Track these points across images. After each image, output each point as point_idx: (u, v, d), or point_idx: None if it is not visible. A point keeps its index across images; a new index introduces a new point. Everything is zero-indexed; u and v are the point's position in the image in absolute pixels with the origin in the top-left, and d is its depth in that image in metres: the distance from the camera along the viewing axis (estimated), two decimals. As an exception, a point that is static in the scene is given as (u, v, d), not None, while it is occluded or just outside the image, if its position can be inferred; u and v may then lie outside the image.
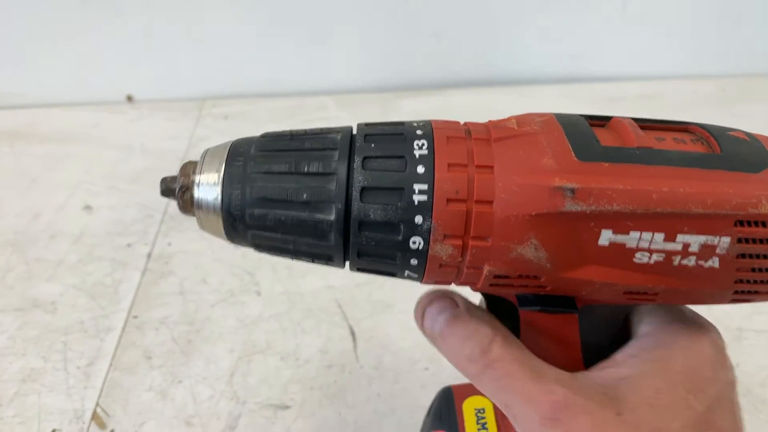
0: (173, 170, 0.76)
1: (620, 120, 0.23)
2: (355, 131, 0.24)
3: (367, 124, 0.23)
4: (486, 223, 0.21)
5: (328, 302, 0.51)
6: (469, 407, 0.35)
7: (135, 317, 0.50)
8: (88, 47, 0.79)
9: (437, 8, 0.80)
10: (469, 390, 0.36)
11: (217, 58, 0.82)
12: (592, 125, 0.23)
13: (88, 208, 0.63)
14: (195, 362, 0.46)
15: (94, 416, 0.42)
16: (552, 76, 0.86)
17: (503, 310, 0.26)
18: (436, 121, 0.23)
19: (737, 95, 0.83)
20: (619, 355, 0.25)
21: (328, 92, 0.84)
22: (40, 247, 0.57)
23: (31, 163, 0.70)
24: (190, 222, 0.66)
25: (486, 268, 0.22)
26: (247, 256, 0.55)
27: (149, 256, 0.56)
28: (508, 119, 0.23)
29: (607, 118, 0.24)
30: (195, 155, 0.71)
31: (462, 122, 0.24)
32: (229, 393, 0.43)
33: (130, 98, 0.83)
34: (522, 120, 0.23)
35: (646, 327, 0.26)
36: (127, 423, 0.42)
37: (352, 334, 0.48)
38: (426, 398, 0.41)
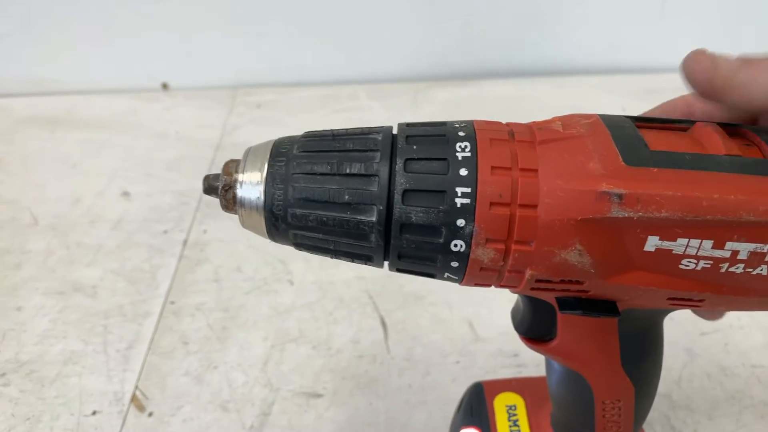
0: (207, 158, 0.78)
1: (705, 125, 0.23)
2: (395, 131, 0.24)
3: (408, 125, 0.23)
4: (529, 228, 0.21)
5: (360, 293, 0.51)
6: (500, 404, 0.35)
7: (172, 303, 0.51)
8: (124, 34, 0.81)
9: (471, -3, 0.79)
10: (500, 386, 0.36)
11: (251, 46, 0.82)
12: (639, 127, 0.23)
13: (126, 194, 0.64)
14: (230, 349, 0.47)
15: (134, 399, 0.43)
16: (589, 66, 0.84)
17: (541, 313, 0.26)
18: (479, 122, 0.23)
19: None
20: None
21: (360, 81, 0.84)
22: (80, 231, 0.59)
23: (71, 148, 0.72)
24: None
25: (528, 272, 0.22)
26: (280, 245, 0.55)
27: (185, 243, 0.57)
28: (552, 120, 0.23)
29: (679, 122, 0.23)
30: (229, 144, 0.72)
31: (504, 122, 0.24)
32: (263, 380, 0.44)
33: (165, 86, 0.84)
34: (567, 122, 0.23)
35: None
36: (165, 406, 0.43)
37: (383, 324, 0.49)
38: (457, 391, 0.41)
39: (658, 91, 0.80)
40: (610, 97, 0.79)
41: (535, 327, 0.27)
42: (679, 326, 0.45)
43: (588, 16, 0.81)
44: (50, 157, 0.70)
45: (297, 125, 0.75)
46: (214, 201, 0.64)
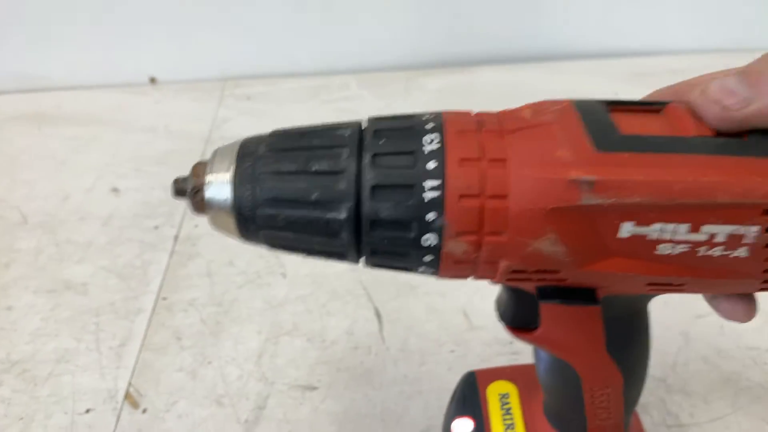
0: (197, 152, 0.77)
1: (677, 106, 0.22)
2: (365, 125, 0.23)
3: (377, 118, 0.23)
4: (500, 219, 0.21)
5: (353, 284, 0.51)
6: (493, 392, 0.35)
7: (164, 299, 0.50)
8: (111, 29, 0.80)
9: (461, -17, 0.79)
10: (493, 374, 0.36)
11: (239, 38, 0.82)
12: (613, 111, 0.22)
13: (115, 190, 0.63)
14: (224, 343, 0.47)
15: (127, 396, 0.43)
16: (580, 51, 0.84)
17: (523, 302, 0.25)
18: (448, 113, 0.23)
19: (773, 69, 0.80)
20: None
21: (351, 71, 0.83)
22: (69, 229, 0.58)
23: (59, 145, 0.71)
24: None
25: (502, 263, 0.22)
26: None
27: (176, 238, 0.57)
28: (522, 108, 0.23)
29: (655, 104, 0.23)
30: (218, 137, 0.72)
31: (474, 113, 0.23)
32: (258, 374, 0.44)
33: (153, 80, 0.83)
34: (536, 109, 0.22)
35: None
36: (159, 402, 0.42)
37: (378, 315, 0.48)
38: (452, 381, 0.41)
39: (649, 74, 0.80)
40: (601, 80, 0.79)
41: (518, 316, 0.26)
42: (674, 310, 0.45)
43: (577, 1, 0.80)
44: (38, 155, 0.70)
45: (287, 117, 0.74)
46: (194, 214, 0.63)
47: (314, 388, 0.43)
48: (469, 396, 0.35)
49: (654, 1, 0.81)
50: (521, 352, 0.45)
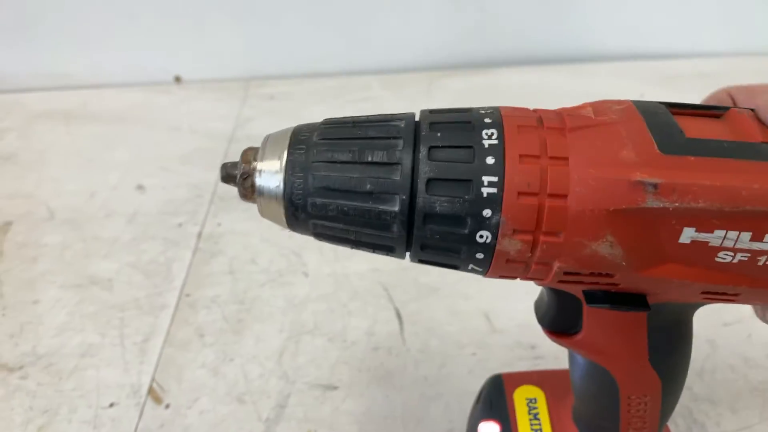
0: (221, 151, 0.77)
1: (740, 112, 0.22)
2: (418, 118, 0.23)
3: (431, 111, 0.23)
4: (559, 218, 0.20)
5: (374, 284, 0.51)
6: (520, 397, 0.34)
7: (187, 295, 0.51)
8: (136, 28, 0.81)
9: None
10: (520, 378, 0.36)
11: (263, 38, 0.82)
12: (673, 113, 0.22)
13: (140, 188, 0.64)
14: (246, 341, 0.47)
15: (150, 391, 0.43)
16: (605, 53, 0.83)
17: (566, 306, 0.25)
18: (505, 108, 0.22)
19: (804, 73, 0.78)
20: None
21: (372, 71, 0.83)
22: (96, 225, 0.59)
23: (85, 143, 0.72)
24: (239, 203, 0.67)
25: (556, 265, 0.21)
26: (294, 237, 0.55)
27: (200, 235, 0.57)
28: (583, 107, 0.22)
29: (713, 108, 0.23)
30: (242, 136, 0.72)
31: (532, 109, 0.23)
32: (279, 372, 0.44)
33: (178, 79, 0.84)
34: (598, 108, 0.22)
35: None
36: (182, 398, 0.43)
37: (399, 316, 0.48)
38: (473, 384, 0.40)
39: (676, 77, 0.79)
40: (627, 83, 0.78)
41: (559, 320, 0.26)
42: (701, 318, 0.44)
43: (603, 2, 0.79)
44: (65, 152, 0.71)
45: (310, 117, 0.74)
46: (228, 194, 0.64)
47: (335, 388, 0.43)
48: (495, 399, 0.35)
49: (682, 3, 0.80)
50: (544, 356, 0.44)
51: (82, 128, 0.75)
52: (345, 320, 0.48)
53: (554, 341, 0.26)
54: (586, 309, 0.25)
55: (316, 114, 0.75)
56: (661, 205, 0.20)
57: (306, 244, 0.55)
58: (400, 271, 0.52)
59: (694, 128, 0.21)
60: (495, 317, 0.47)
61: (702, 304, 0.25)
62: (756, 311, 0.25)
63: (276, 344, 0.46)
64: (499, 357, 0.45)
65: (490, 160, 0.21)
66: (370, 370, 0.44)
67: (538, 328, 0.28)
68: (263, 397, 0.43)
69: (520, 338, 0.45)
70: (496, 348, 0.45)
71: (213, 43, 0.82)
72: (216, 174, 0.65)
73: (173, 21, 0.80)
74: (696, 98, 0.81)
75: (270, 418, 0.41)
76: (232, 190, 0.68)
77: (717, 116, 0.23)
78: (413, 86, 0.80)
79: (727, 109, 0.23)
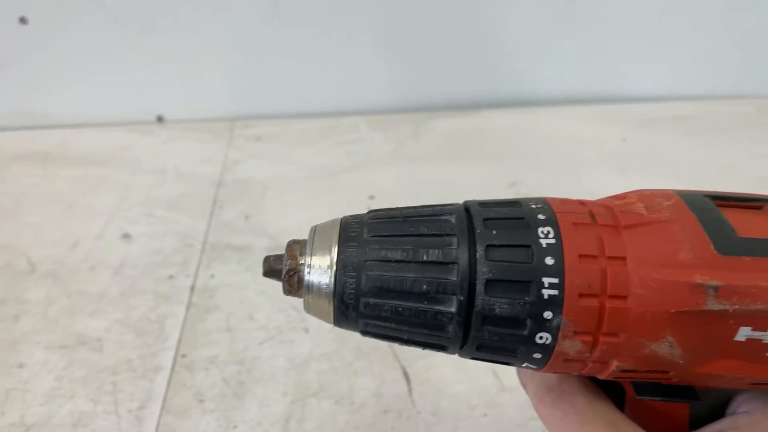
0: (209, 196, 0.75)
1: None
2: (464, 206, 0.23)
3: (481, 204, 0.23)
4: (620, 320, 0.20)
5: (378, 342, 0.50)
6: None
7: (183, 356, 0.49)
8: (118, 67, 0.79)
9: (469, 27, 0.79)
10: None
11: (247, 78, 0.81)
12: (719, 206, 0.22)
13: (126, 236, 0.62)
14: (248, 406, 0.45)
15: (150, 464, 0.41)
16: (587, 96, 0.85)
17: (608, 391, 0.25)
18: (554, 202, 0.22)
19: (774, 117, 0.82)
20: (707, 430, 0.24)
21: (360, 112, 0.83)
22: (80, 278, 0.57)
23: (65, 186, 0.69)
24: (232, 253, 0.65)
25: (614, 363, 0.21)
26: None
27: (192, 288, 0.55)
28: (633, 201, 0.22)
29: (750, 199, 0.23)
30: (230, 180, 0.71)
31: (578, 201, 0.23)
32: (286, 440, 0.43)
33: (160, 119, 0.82)
34: (648, 203, 0.22)
35: (744, 405, 0.25)
36: (184, 472, 0.41)
37: (406, 375, 0.47)
38: (489, 449, 0.40)
39: (654, 120, 0.82)
40: (610, 126, 0.80)
41: None
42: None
43: (585, 46, 0.82)
44: (44, 197, 0.68)
45: (299, 159, 0.74)
46: (220, 243, 0.62)
47: (346, 456, 0.42)
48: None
49: (660, 48, 0.83)
50: (555, 416, 0.44)
51: (61, 171, 0.72)
52: (351, 380, 0.47)
53: None
54: (630, 397, 0.25)
55: (305, 156, 0.75)
56: (722, 308, 0.20)
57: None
58: (403, 325, 0.51)
59: (743, 225, 0.22)
60: (503, 374, 0.47)
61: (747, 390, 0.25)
62: None
63: (281, 409, 0.45)
64: (511, 417, 0.44)
65: (549, 261, 0.20)
66: (380, 435, 0.43)
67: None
68: (271, 467, 0.41)
69: (529, 397, 0.45)
70: (507, 407, 0.45)
71: (196, 82, 0.81)
72: (206, 221, 0.63)
73: (155, 59, 0.79)
74: (676, 140, 0.83)
75: (280, 491, 0.40)
76: (224, 239, 0.66)
77: (758, 208, 0.23)
78: (401, 128, 0.80)
79: (766, 199, 0.23)
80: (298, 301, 0.56)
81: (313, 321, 0.52)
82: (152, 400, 0.46)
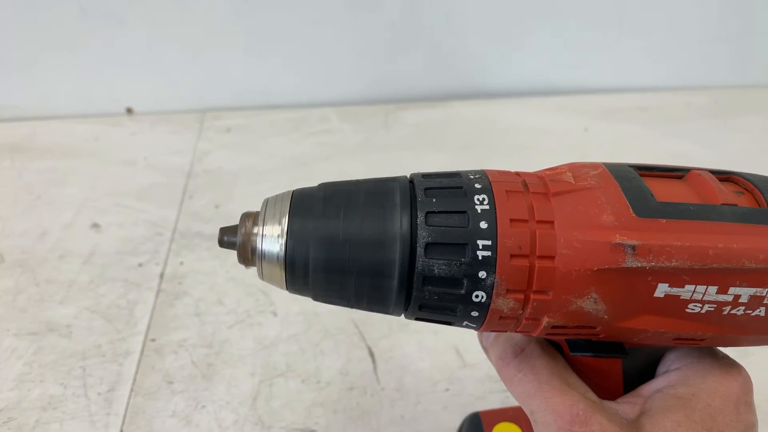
0: (179, 186, 0.76)
1: (700, 174, 0.24)
2: (409, 178, 0.24)
3: (423, 176, 0.24)
4: (548, 278, 0.22)
5: (345, 322, 0.51)
6: (499, 434, 0.36)
7: (153, 340, 0.50)
8: (87, 59, 0.79)
9: (437, 19, 0.81)
10: (497, 416, 0.37)
11: (217, 69, 0.82)
12: (642, 176, 0.24)
13: (95, 226, 0.62)
14: (217, 386, 0.46)
15: (119, 444, 0.42)
16: (551, 88, 0.87)
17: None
18: (491, 173, 0.24)
19: (730, 107, 0.85)
20: (645, 389, 0.26)
21: (330, 104, 0.84)
22: (49, 267, 0.57)
23: (33, 178, 0.69)
24: (201, 240, 0.65)
25: (545, 320, 0.23)
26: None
27: (162, 276, 0.56)
28: (562, 171, 0.24)
29: (673, 170, 0.25)
30: (200, 170, 0.71)
31: (515, 172, 0.24)
32: (254, 418, 0.44)
33: (129, 110, 0.82)
34: (576, 173, 0.24)
35: (675, 363, 0.27)
36: (153, 450, 0.42)
37: (371, 354, 0.49)
38: (449, 420, 0.41)
39: (615, 111, 0.84)
40: (574, 116, 0.82)
41: None
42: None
43: (548, 39, 0.84)
44: (12, 188, 0.68)
45: (270, 150, 0.75)
46: (189, 231, 0.63)
47: (312, 431, 0.43)
48: (474, 437, 0.36)
49: (619, 41, 0.85)
50: (513, 389, 0.46)
51: (29, 163, 0.72)
52: (318, 360, 0.48)
53: None
54: (568, 356, 0.26)
55: (275, 147, 0.76)
56: (639, 265, 0.22)
57: (273, 282, 0.55)
58: (370, 307, 0.52)
59: (662, 191, 0.23)
60: (465, 351, 0.49)
61: (672, 347, 0.27)
62: None
63: (249, 388, 0.46)
64: (472, 391, 0.46)
65: (483, 225, 0.22)
66: (346, 411, 0.45)
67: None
68: (239, 444, 0.42)
69: (490, 372, 0.47)
70: (468, 382, 0.47)
71: (165, 73, 0.81)
72: (176, 211, 0.64)
73: (123, 50, 0.79)
74: (636, 129, 0.86)
75: (247, 466, 0.41)
76: (194, 227, 0.67)
77: (679, 177, 0.25)
78: (371, 119, 0.82)
79: (687, 170, 0.25)
80: (265, 285, 0.57)
81: (282, 305, 0.54)
82: (121, 383, 0.46)
